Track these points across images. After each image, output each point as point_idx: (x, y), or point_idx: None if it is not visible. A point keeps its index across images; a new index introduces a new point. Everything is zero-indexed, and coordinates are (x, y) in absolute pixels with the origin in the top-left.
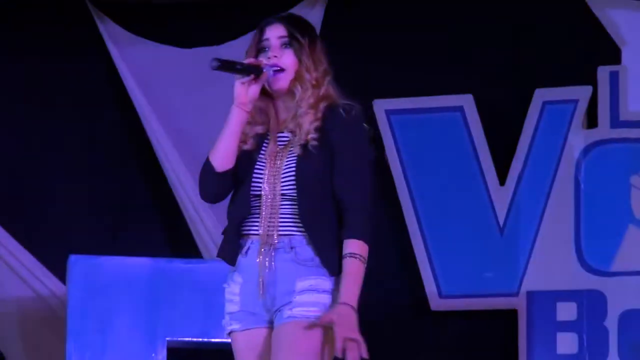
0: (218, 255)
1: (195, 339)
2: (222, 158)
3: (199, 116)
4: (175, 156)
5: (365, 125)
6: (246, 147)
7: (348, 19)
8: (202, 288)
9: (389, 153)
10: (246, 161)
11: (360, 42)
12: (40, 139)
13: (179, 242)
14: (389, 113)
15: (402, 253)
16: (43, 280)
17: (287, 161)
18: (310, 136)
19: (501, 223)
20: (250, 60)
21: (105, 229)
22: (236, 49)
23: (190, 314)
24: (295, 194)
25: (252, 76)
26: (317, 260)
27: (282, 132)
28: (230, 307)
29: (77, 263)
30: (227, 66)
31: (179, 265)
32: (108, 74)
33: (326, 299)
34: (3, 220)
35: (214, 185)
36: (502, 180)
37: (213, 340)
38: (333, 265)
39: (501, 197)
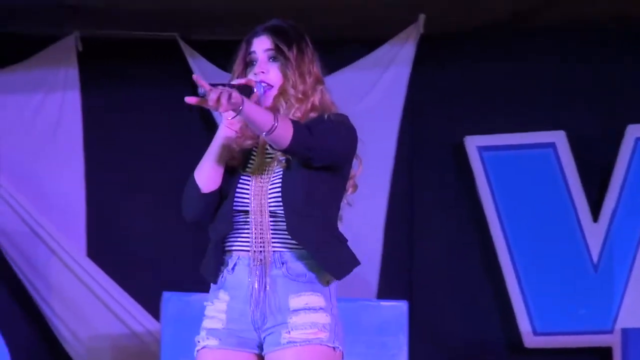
0: (200, 272)
1: None
2: (209, 178)
3: None
4: None
5: (353, 129)
6: (232, 162)
7: (440, 56)
8: None
9: (480, 190)
10: (231, 176)
11: (451, 78)
12: (130, 179)
13: None
14: (480, 150)
15: (496, 291)
16: (137, 317)
17: (273, 176)
18: None
19: (595, 260)
20: (240, 81)
21: (196, 266)
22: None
23: None
24: (282, 211)
25: (243, 96)
26: (310, 275)
27: (267, 149)
28: (210, 324)
29: (170, 300)
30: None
31: None
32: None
33: (323, 317)
34: (97, 259)
35: (200, 206)
36: (595, 217)
37: None
38: (336, 272)
39: (594, 233)
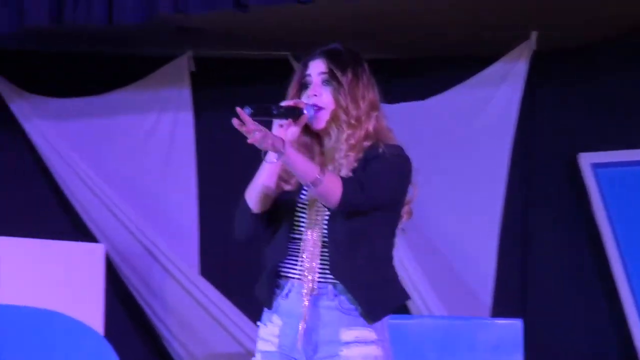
0: (255, 294)
1: None
2: (259, 200)
3: None
4: None
5: (408, 161)
6: (288, 187)
7: (552, 72)
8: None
9: (595, 207)
10: (287, 202)
11: (564, 95)
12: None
13: None
14: (595, 166)
15: (610, 307)
16: (251, 335)
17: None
18: None
19: None
20: (288, 103)
21: None
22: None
23: None
24: None
25: (290, 120)
26: (360, 309)
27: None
28: (264, 346)
29: None
30: (263, 112)
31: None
32: None
33: (374, 350)
34: (211, 277)
35: (250, 226)
36: None
37: None
38: (371, 312)
39: None
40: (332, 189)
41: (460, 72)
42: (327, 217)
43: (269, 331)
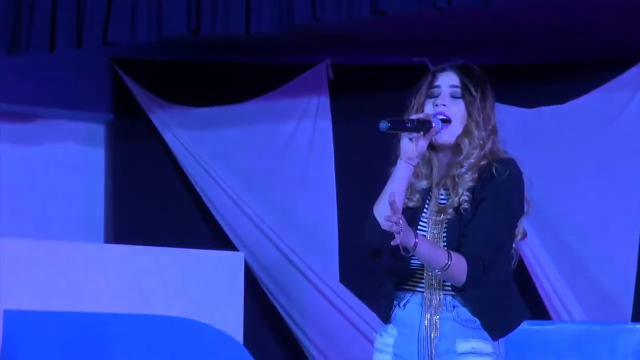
0: (374, 309)
1: None
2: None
3: None
4: None
5: (520, 180)
6: (411, 204)
7: None
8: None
9: None
10: (410, 218)
11: None
12: None
13: None
14: None
15: None
16: None
17: (447, 222)
18: (462, 198)
19: None
20: (419, 116)
21: None
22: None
23: None
24: None
25: (422, 133)
26: (479, 322)
27: (441, 187)
28: (380, 357)
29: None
30: (398, 126)
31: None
32: None
33: None
34: (351, 285)
35: (379, 240)
36: None
37: None
38: (494, 328)
39: None
40: (459, 272)
41: (598, 77)
42: (445, 234)
43: (384, 341)
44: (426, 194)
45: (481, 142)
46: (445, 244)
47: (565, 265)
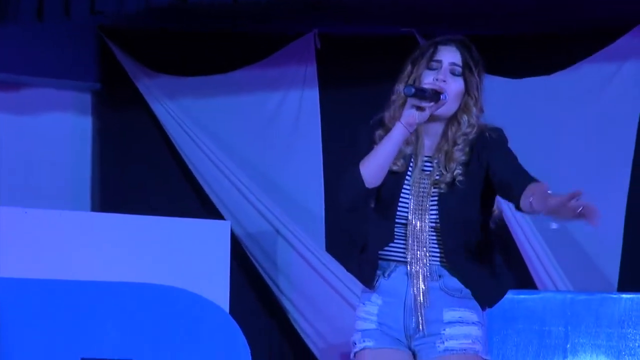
0: (355, 275)
1: None
2: (376, 174)
3: None
4: None
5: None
6: (395, 167)
7: None
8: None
9: None
10: (392, 183)
11: None
12: None
13: None
14: None
15: None
16: None
17: (434, 193)
18: (456, 172)
19: None
20: (435, 86)
21: None
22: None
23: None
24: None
25: (433, 103)
26: (465, 292)
27: (426, 157)
28: (363, 325)
29: None
30: (420, 94)
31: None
32: None
33: (476, 330)
34: (337, 253)
35: (360, 198)
36: None
37: None
38: (485, 297)
39: None
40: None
41: (584, 48)
42: (432, 203)
43: (368, 310)
44: (409, 160)
45: (475, 120)
46: (436, 216)
47: (551, 236)
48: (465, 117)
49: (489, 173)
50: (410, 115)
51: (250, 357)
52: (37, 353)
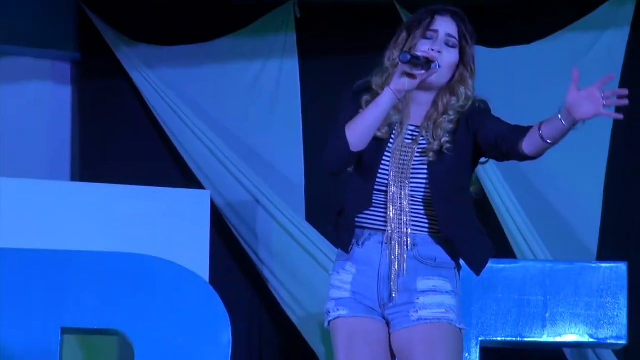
0: (331, 242)
1: None
2: (362, 138)
3: None
4: None
5: None
6: (379, 134)
7: None
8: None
9: None
10: (375, 150)
11: None
12: None
13: None
14: None
15: None
16: None
17: (416, 161)
18: (444, 140)
19: None
20: (428, 54)
21: None
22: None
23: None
24: (422, 197)
25: (423, 71)
26: (439, 260)
27: (411, 126)
28: (337, 293)
29: None
30: (414, 61)
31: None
32: None
33: (450, 299)
34: (316, 223)
35: (344, 161)
36: None
37: None
38: (475, 260)
39: None
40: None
41: (564, 17)
42: (414, 174)
43: (342, 278)
44: (392, 128)
45: (469, 92)
46: (418, 184)
47: (531, 206)
48: (462, 89)
49: (478, 138)
50: (400, 82)
51: (230, 327)
52: (17, 323)
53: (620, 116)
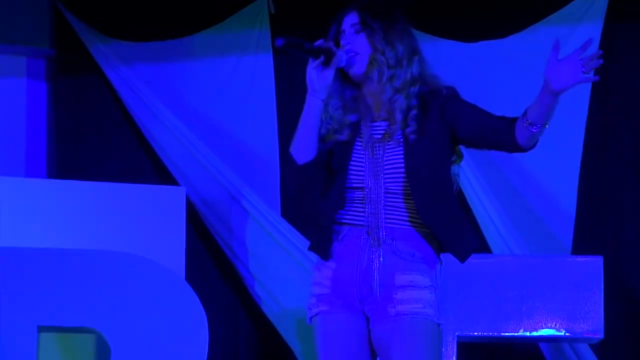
0: (310, 249)
1: None
2: (304, 149)
3: None
4: None
5: None
6: (341, 137)
7: (634, 10)
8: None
9: None
10: (341, 152)
11: None
12: None
13: None
14: None
15: None
16: None
17: (388, 155)
18: (409, 129)
19: None
20: (319, 43)
21: None
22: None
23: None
24: (401, 189)
25: (322, 58)
26: (418, 255)
27: (376, 121)
28: (318, 290)
29: None
30: (294, 45)
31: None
32: None
33: (428, 294)
34: (293, 220)
35: (302, 181)
36: None
37: None
38: (461, 248)
39: None
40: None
41: (540, 10)
42: (388, 167)
43: (322, 274)
44: (356, 127)
45: (392, 62)
46: (399, 171)
47: (508, 200)
48: (375, 70)
49: (458, 129)
50: (311, 79)
51: (207, 323)
52: None
53: (596, 78)
